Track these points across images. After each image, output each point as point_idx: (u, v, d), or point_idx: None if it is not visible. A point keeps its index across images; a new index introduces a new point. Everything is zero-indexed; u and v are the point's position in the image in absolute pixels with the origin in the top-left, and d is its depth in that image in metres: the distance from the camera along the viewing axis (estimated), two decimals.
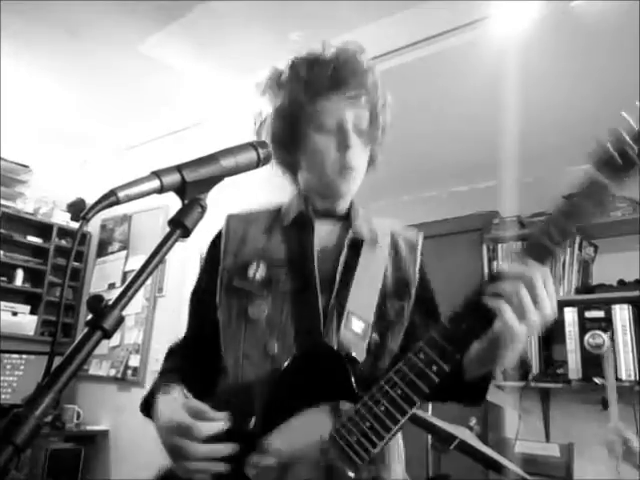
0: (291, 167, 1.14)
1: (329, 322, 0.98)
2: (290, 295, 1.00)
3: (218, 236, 1.11)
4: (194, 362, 1.07)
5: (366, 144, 1.09)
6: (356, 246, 1.06)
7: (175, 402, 0.88)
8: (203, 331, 1.08)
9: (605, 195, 0.85)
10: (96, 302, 0.55)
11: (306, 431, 0.86)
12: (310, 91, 1.06)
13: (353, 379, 0.88)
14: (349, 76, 1.06)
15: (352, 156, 1.03)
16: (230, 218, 1.12)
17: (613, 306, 2.86)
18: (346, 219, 1.11)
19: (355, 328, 0.98)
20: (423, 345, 0.83)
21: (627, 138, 0.81)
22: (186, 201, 0.64)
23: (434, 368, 0.81)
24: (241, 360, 0.99)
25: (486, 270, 3.40)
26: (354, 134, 1.04)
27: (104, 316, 0.55)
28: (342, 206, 1.11)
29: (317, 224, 1.08)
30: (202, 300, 1.09)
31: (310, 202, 1.10)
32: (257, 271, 1.02)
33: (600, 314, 2.89)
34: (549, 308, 0.79)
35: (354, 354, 0.94)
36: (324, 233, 1.08)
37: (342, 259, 1.04)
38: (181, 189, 0.63)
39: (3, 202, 3.97)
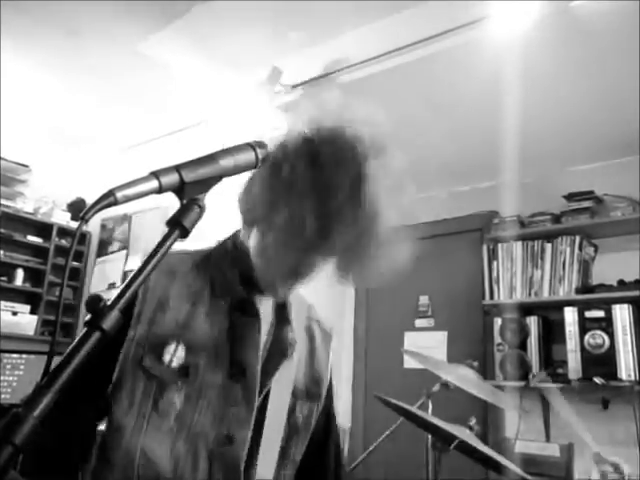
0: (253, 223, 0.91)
1: (246, 432, 0.85)
2: (212, 392, 0.84)
3: None
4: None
5: None
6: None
7: None
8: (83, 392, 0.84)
9: None
10: (94, 302, 0.55)
11: None
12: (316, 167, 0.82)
13: None
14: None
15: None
16: None
17: (613, 306, 2.86)
18: (277, 298, 0.94)
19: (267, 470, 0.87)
20: None
21: None
22: (184, 201, 0.64)
23: None
24: (137, 458, 0.81)
25: (486, 270, 3.40)
26: None
27: (102, 316, 0.55)
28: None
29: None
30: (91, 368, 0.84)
31: (252, 273, 0.88)
32: (174, 355, 0.84)
33: (600, 314, 2.89)
34: None
35: None
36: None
37: (276, 362, 0.91)
38: (180, 189, 0.63)
39: (3, 202, 3.97)
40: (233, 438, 0.84)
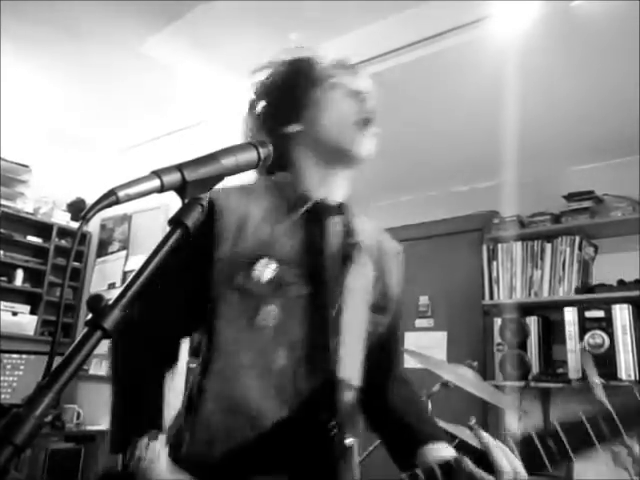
0: (285, 141, 1.00)
1: (338, 339, 0.91)
2: (302, 301, 0.90)
3: (209, 211, 0.87)
4: (159, 359, 0.92)
5: None
6: (355, 252, 0.98)
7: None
8: (171, 315, 0.92)
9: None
10: (96, 302, 0.55)
11: None
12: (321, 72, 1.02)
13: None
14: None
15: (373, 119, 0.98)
16: (223, 191, 0.93)
17: (613, 306, 2.86)
18: (340, 213, 1.01)
19: (350, 370, 0.92)
20: None
21: None
22: (186, 200, 0.64)
23: None
24: (245, 370, 0.86)
25: (486, 270, 3.40)
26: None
27: (104, 316, 0.55)
28: (336, 195, 1.01)
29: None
30: (181, 281, 0.89)
31: (306, 190, 0.98)
32: (265, 270, 0.88)
33: (600, 314, 2.89)
34: None
35: (349, 440, 0.87)
36: (331, 232, 0.98)
37: (349, 268, 0.96)
38: (181, 188, 0.63)
39: (3, 202, 3.97)
40: (321, 344, 0.89)
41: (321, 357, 0.89)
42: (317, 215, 0.96)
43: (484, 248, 3.44)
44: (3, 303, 3.89)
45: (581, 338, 2.91)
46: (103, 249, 4.33)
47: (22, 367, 3.69)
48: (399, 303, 1.07)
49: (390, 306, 1.04)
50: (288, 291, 0.89)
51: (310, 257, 0.92)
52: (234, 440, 0.85)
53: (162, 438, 0.84)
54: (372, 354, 1.01)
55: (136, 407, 0.89)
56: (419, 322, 3.85)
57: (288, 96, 1.01)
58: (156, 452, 0.81)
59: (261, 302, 0.88)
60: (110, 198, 0.56)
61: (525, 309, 3.23)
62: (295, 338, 0.88)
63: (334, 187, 1.01)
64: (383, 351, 1.06)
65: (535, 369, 3.10)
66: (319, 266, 0.93)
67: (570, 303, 3.02)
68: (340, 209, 1.01)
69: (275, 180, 1.01)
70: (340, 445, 0.86)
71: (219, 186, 0.96)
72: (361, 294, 0.97)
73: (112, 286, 4.07)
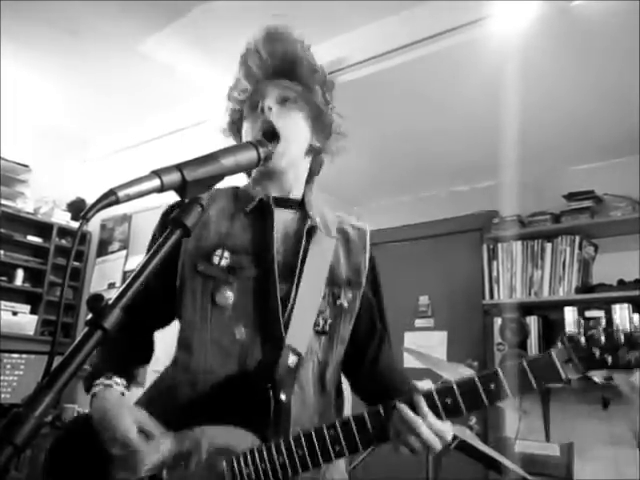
0: None
1: (289, 311, 1.02)
2: (253, 283, 1.03)
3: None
4: (132, 335, 1.07)
5: (299, 112, 1.10)
6: (311, 235, 1.09)
7: (118, 405, 0.96)
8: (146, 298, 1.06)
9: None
10: (96, 301, 0.55)
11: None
12: (252, 79, 1.13)
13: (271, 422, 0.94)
14: (285, 66, 1.14)
15: (270, 117, 1.05)
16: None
17: (613, 306, 2.86)
18: (302, 208, 1.13)
19: (299, 330, 1.01)
20: (337, 425, 0.87)
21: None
22: (186, 200, 0.64)
23: (336, 448, 0.87)
24: (208, 344, 1.01)
25: (486, 270, 3.40)
26: (277, 104, 1.07)
27: (104, 315, 0.55)
28: (295, 193, 1.13)
29: (277, 212, 1.09)
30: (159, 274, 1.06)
31: (264, 188, 1.11)
32: (222, 258, 1.03)
33: (600, 314, 2.89)
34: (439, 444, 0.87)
35: (283, 397, 0.96)
36: (285, 222, 1.10)
37: (302, 248, 1.07)
38: (181, 188, 0.63)
39: (3, 202, 3.96)
40: (272, 318, 1.01)
41: (272, 329, 1.00)
42: (264, 209, 1.09)
43: (484, 248, 3.44)
44: (3, 303, 3.89)
45: None
46: (103, 249, 4.33)
47: (22, 367, 3.69)
48: (372, 279, 1.16)
49: (362, 280, 1.12)
50: (241, 275, 1.03)
51: (259, 245, 1.05)
52: (181, 393, 1.00)
53: (119, 380, 1.02)
54: (361, 327, 1.13)
55: (104, 358, 1.06)
56: (419, 322, 3.85)
57: (236, 118, 1.17)
58: (109, 390, 0.98)
59: (220, 285, 1.02)
60: (110, 198, 0.57)
61: (525, 309, 3.23)
62: (250, 315, 1.02)
63: (277, 185, 1.11)
64: (371, 324, 1.16)
65: None
66: (267, 252, 1.04)
67: (570, 303, 3.02)
68: (291, 202, 1.13)
69: (237, 186, 1.16)
70: (274, 402, 0.95)
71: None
72: (316, 272, 1.07)
73: (112, 286, 4.06)
